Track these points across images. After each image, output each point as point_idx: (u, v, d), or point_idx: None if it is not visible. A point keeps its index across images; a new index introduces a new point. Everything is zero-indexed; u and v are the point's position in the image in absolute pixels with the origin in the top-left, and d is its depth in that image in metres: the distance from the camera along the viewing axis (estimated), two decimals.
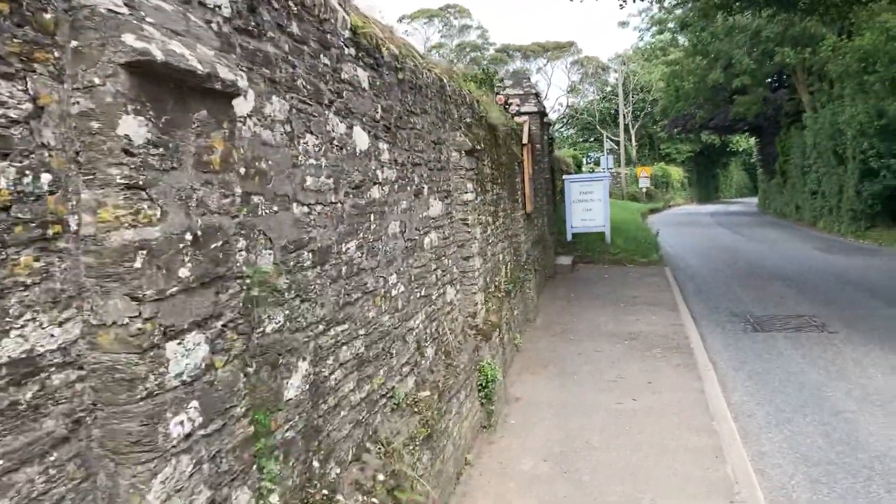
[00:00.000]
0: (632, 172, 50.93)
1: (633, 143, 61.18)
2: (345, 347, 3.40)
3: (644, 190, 48.27)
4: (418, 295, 4.78)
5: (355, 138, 3.68)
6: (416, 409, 4.25)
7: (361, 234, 3.70)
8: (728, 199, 71.06)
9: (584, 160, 44.34)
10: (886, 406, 6.73)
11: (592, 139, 65.76)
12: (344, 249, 3.45)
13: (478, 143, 6.85)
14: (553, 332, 10.12)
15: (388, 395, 3.98)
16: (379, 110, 4.10)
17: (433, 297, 5.17)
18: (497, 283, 8.41)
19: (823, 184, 27.76)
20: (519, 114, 12.56)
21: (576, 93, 68.27)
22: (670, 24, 36.71)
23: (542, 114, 15.63)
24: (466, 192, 6.22)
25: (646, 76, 58.69)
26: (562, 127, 67.82)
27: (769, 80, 35.96)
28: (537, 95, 15.35)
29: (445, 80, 6.17)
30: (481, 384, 6.03)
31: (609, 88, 64.68)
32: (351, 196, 3.57)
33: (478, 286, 6.48)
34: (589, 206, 19.48)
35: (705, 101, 39.10)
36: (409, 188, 4.66)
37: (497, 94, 11.10)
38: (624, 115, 57.85)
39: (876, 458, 5.58)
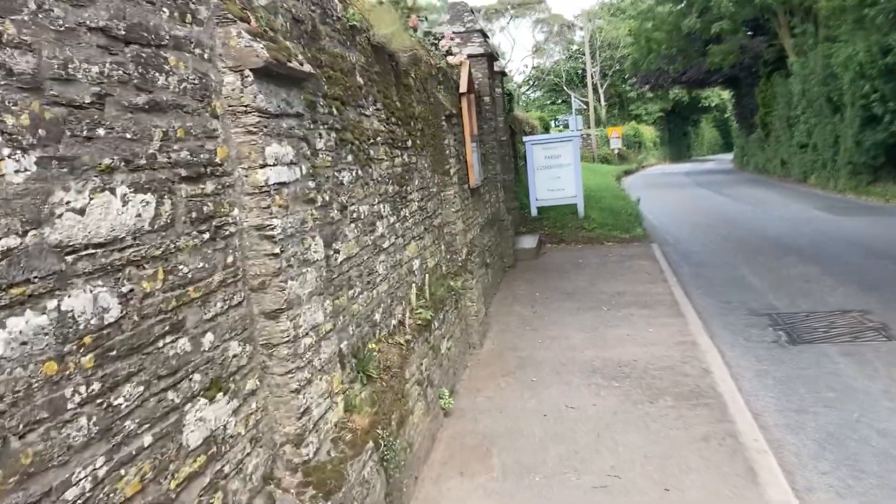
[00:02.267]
0: (602, 133, 47.79)
1: (603, 103, 57.97)
2: None
3: (616, 151, 45.26)
4: None
5: None
6: None
7: None
8: (700, 157, 68.56)
9: (553, 123, 40.84)
10: None
11: (560, 101, 62.15)
12: None
13: (318, 67, 3.41)
14: (506, 369, 6.76)
15: None
16: None
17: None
18: (401, 319, 5.00)
19: (815, 135, 24.72)
20: (451, 53, 9.07)
21: (541, 53, 64.54)
22: None
23: (491, 57, 12.12)
24: (266, 167, 2.78)
25: (613, 32, 55.37)
26: (528, 90, 64.25)
27: (745, 26, 32.73)
28: (483, 34, 11.83)
29: None
30: None
31: (575, 47, 61.23)
32: None
33: (317, 365, 3.06)
34: (557, 173, 16.04)
35: (678, 53, 35.90)
36: None
37: (418, 19, 7.60)
38: (591, 75, 54.43)
39: None
